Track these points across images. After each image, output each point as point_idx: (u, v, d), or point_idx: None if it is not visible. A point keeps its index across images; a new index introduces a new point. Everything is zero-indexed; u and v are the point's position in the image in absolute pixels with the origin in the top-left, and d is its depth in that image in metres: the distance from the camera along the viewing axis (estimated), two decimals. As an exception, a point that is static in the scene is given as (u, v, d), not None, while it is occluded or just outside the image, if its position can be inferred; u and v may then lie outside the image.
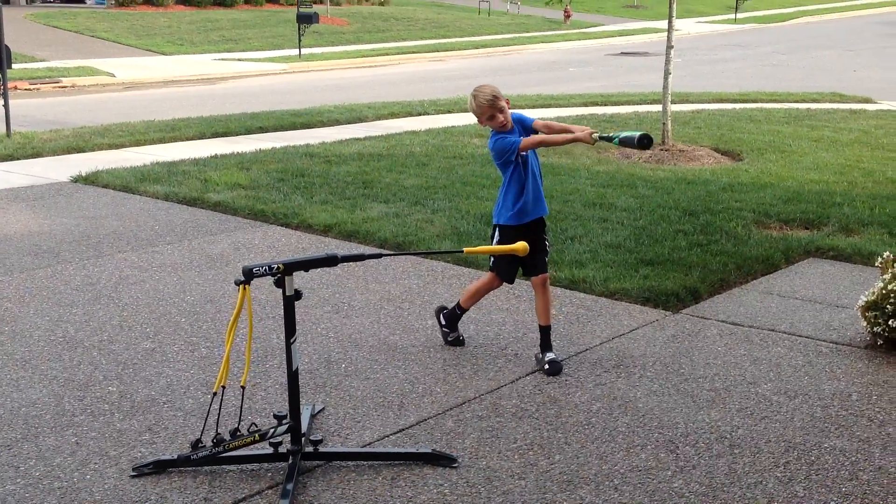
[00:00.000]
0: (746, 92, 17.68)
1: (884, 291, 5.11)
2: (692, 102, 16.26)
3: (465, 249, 4.40)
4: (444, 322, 5.26)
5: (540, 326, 5.00)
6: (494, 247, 4.82)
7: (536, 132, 4.88)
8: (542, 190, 4.99)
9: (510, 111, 4.88)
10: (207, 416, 3.92)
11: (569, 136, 4.81)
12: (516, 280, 5.19)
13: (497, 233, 4.99)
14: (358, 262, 6.56)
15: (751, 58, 27.66)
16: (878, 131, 13.13)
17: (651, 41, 33.55)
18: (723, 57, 27.92)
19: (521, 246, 4.35)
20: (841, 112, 15.20)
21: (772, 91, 17.86)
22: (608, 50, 31.27)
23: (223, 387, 3.73)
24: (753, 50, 30.40)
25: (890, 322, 5.04)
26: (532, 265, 5.00)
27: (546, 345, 4.97)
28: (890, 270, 5.23)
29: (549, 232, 5.18)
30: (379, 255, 4.28)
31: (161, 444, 4.05)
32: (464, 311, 5.23)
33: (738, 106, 15.92)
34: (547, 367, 4.84)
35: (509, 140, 4.80)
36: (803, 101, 16.77)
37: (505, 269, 5.06)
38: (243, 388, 3.86)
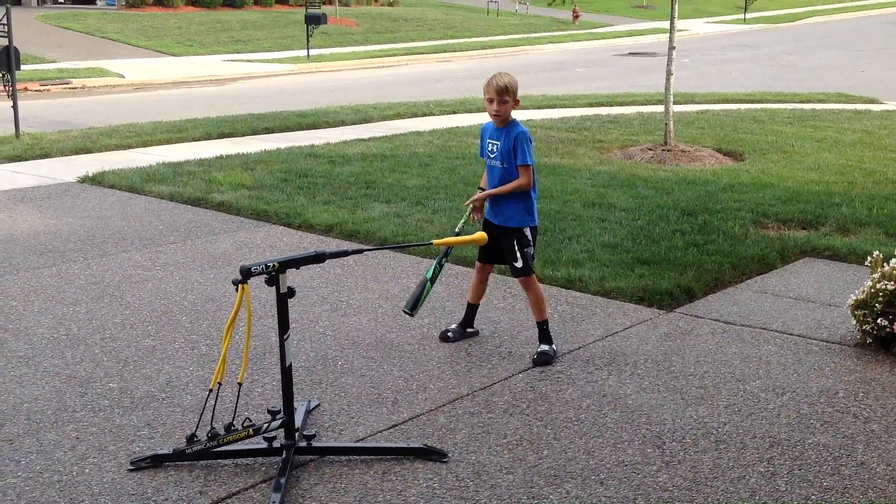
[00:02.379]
0: (752, 92, 17.72)
1: (873, 290, 5.18)
2: (697, 103, 16.30)
3: (433, 241, 4.51)
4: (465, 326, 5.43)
5: (536, 322, 5.13)
6: (457, 238, 4.90)
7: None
8: None
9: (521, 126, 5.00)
10: (203, 411, 4.02)
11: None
12: (512, 279, 5.28)
13: (531, 235, 5.09)
14: (357, 262, 6.68)
15: (759, 58, 27.66)
16: (881, 132, 13.15)
17: (659, 41, 33.54)
18: (731, 57, 27.92)
19: (480, 236, 4.48)
20: (846, 112, 15.22)
21: (778, 91, 17.89)
22: (616, 50, 31.30)
23: (219, 383, 3.82)
24: (761, 50, 30.38)
25: (878, 320, 5.10)
26: (504, 262, 5.20)
27: (543, 338, 5.10)
28: (879, 269, 5.29)
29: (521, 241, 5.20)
30: (360, 251, 4.36)
31: (159, 439, 4.15)
32: (471, 305, 5.39)
33: (742, 106, 15.95)
34: (535, 356, 4.96)
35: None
36: (809, 101, 16.80)
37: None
38: (240, 384, 3.95)
